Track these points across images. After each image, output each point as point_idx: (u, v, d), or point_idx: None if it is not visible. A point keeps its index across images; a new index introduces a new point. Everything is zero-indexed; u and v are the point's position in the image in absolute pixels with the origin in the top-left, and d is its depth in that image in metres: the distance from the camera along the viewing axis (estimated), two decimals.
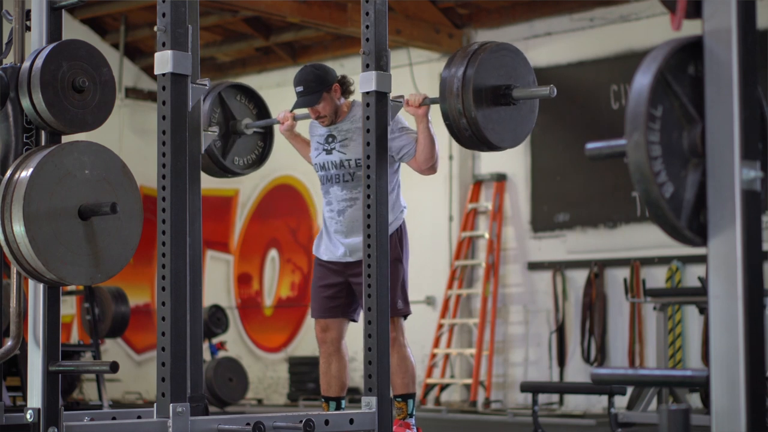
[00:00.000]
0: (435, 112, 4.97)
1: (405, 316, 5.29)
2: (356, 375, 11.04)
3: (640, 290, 9.26)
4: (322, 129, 5.39)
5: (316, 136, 5.43)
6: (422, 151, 5.15)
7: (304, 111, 5.44)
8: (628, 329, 9.52)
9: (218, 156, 5.44)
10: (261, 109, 5.65)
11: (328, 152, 5.34)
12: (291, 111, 5.48)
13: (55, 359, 3.84)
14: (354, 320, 5.43)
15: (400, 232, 5.30)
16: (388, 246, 4.54)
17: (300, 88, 5.30)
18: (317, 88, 5.28)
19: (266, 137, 5.69)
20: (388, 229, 5.08)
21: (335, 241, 5.34)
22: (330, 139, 5.35)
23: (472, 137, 4.57)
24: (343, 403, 5.38)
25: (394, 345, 5.17)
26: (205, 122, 5.34)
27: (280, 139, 5.76)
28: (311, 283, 5.54)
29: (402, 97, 4.83)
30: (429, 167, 5.21)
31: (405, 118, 5.33)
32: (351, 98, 5.43)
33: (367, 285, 4.48)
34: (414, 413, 5.28)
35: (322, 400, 5.41)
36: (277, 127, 5.66)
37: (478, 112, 4.49)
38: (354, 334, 5.43)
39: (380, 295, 4.46)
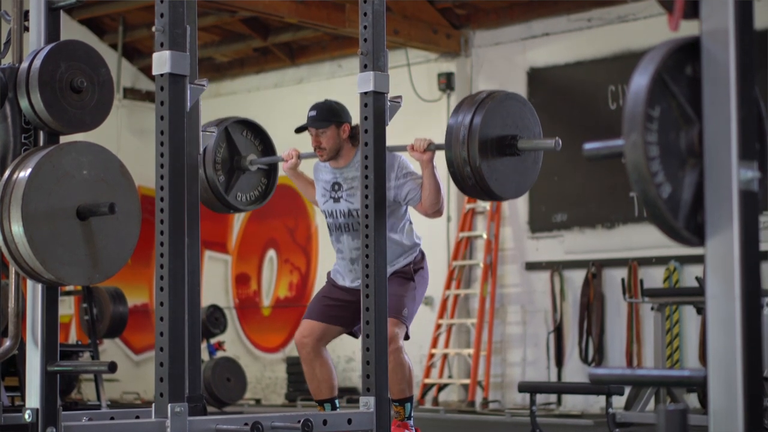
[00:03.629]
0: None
1: (405, 335, 5.23)
2: (354, 375, 11.05)
3: (637, 290, 9.27)
4: (328, 175, 5.39)
5: (322, 181, 5.43)
6: (428, 197, 5.16)
7: (310, 150, 5.43)
8: (625, 329, 9.53)
9: (221, 191, 5.42)
10: (266, 146, 5.62)
11: (336, 200, 5.35)
12: (297, 131, 5.46)
13: (54, 359, 3.84)
14: (354, 335, 5.41)
15: (417, 263, 5.30)
16: (385, 244, 4.54)
17: (313, 113, 5.32)
18: (328, 117, 5.29)
19: (270, 174, 5.66)
20: (404, 260, 5.12)
21: (351, 281, 5.35)
22: (336, 187, 5.35)
23: (476, 186, 4.58)
24: (337, 402, 5.37)
25: (391, 349, 5.13)
26: (209, 159, 5.33)
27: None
28: (316, 294, 5.55)
29: (400, 97, 4.83)
30: (435, 211, 5.22)
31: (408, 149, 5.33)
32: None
33: (365, 285, 4.48)
34: (412, 414, 5.27)
35: (317, 404, 5.39)
36: (281, 165, 5.65)
37: (482, 162, 4.50)
38: None
39: (378, 295, 4.46)
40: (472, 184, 4.57)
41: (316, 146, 5.32)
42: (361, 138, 4.57)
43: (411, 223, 5.36)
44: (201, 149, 4.96)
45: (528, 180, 4.71)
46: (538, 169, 4.75)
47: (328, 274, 5.51)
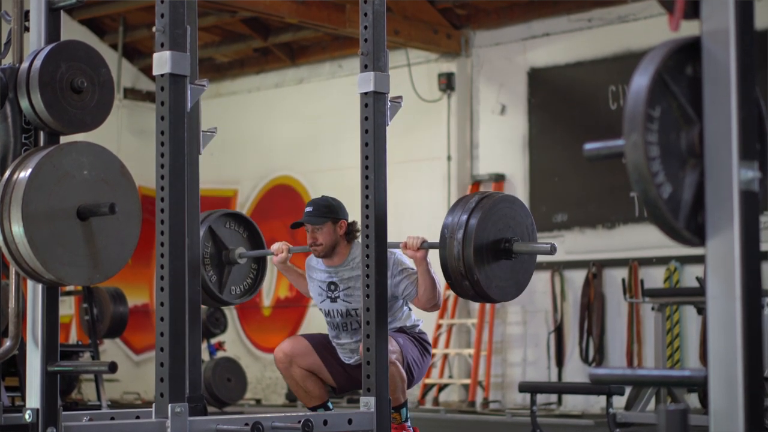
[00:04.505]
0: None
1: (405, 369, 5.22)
2: None
3: (638, 290, 9.27)
4: (322, 275, 5.38)
5: (317, 281, 5.42)
6: (424, 293, 5.13)
7: (301, 245, 5.45)
8: (626, 329, 9.53)
9: (215, 291, 5.41)
10: (251, 232, 5.61)
11: (333, 300, 5.35)
12: (293, 227, 5.46)
13: (54, 359, 3.84)
14: (334, 390, 5.42)
15: (416, 333, 5.32)
16: (387, 244, 4.54)
17: (309, 209, 5.32)
18: (325, 214, 5.29)
19: (259, 260, 5.66)
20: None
21: (348, 359, 5.37)
22: (332, 287, 5.35)
23: (476, 296, 4.65)
24: (330, 404, 5.37)
25: None
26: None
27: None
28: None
29: (400, 97, 4.83)
30: (432, 305, 5.20)
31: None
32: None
33: (366, 285, 4.48)
34: (408, 417, 5.27)
35: (309, 411, 5.38)
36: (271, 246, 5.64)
37: (480, 273, 4.53)
38: None
39: (378, 296, 4.46)
40: (472, 295, 4.64)
41: (312, 243, 5.30)
42: (362, 138, 4.57)
43: (410, 309, 5.37)
44: (202, 149, 4.97)
45: (527, 276, 4.76)
46: (534, 261, 4.77)
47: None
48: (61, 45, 3.92)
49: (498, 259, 4.60)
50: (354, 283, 5.25)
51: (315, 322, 10.89)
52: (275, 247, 5.52)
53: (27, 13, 4.07)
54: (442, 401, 10.32)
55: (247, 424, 3.98)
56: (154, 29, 4.02)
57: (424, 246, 5.01)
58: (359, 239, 4.67)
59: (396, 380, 5.11)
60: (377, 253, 4.50)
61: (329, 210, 5.31)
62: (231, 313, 12.18)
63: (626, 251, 9.59)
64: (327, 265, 5.36)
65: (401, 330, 5.28)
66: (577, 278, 9.90)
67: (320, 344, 5.38)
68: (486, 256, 4.55)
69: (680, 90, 2.26)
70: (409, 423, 5.26)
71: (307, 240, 5.32)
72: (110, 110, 4.03)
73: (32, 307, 3.89)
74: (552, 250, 4.59)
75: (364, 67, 4.56)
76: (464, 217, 4.56)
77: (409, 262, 5.23)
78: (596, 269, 9.71)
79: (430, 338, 5.48)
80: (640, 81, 2.22)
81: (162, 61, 3.99)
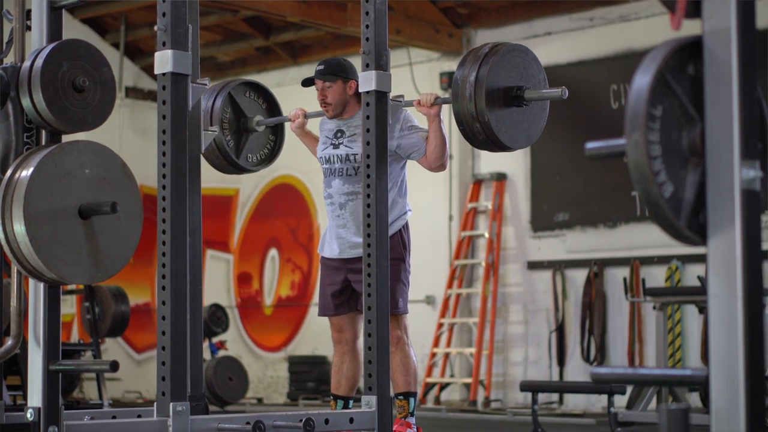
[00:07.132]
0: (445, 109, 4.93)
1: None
2: None
3: (639, 289, 9.26)
4: (332, 124, 5.41)
5: (325, 131, 5.45)
6: (433, 150, 5.17)
7: (316, 109, 5.45)
8: (627, 328, 9.53)
9: (232, 155, 5.49)
10: (270, 104, 5.68)
11: (335, 146, 5.36)
12: (304, 84, 5.48)
13: (56, 358, 3.84)
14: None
15: (403, 232, 5.30)
16: (388, 246, 4.54)
17: (321, 67, 5.36)
18: (335, 72, 5.33)
19: (277, 131, 5.74)
20: (391, 227, 5.10)
21: (335, 237, 5.34)
22: (339, 134, 5.37)
23: (487, 141, 4.61)
24: (351, 403, 5.38)
25: (398, 343, 5.17)
26: (216, 120, 5.37)
27: (287, 139, 5.78)
28: (319, 282, 5.56)
29: (402, 96, 4.84)
30: (439, 165, 5.24)
31: (414, 116, 5.33)
32: None
33: (367, 285, 4.48)
34: (414, 412, 5.28)
35: (331, 397, 5.42)
36: (288, 123, 5.69)
37: (491, 117, 4.51)
38: None
39: (380, 295, 4.47)
40: (483, 139, 4.61)
41: (322, 100, 5.34)
42: (363, 137, 4.57)
43: (406, 185, 5.35)
44: (203, 148, 4.98)
45: (537, 127, 4.75)
46: (545, 115, 4.77)
47: (321, 258, 5.51)
48: (63, 44, 3.92)
49: (510, 105, 4.60)
50: (360, 130, 5.24)
51: (316, 322, 10.89)
52: (292, 113, 5.59)
53: (29, 12, 4.08)
54: (444, 400, 10.32)
55: (248, 423, 3.98)
56: (155, 28, 4.03)
57: (438, 102, 5.03)
58: None
59: (409, 362, 5.22)
60: (378, 265, 4.50)
61: (340, 68, 5.35)
62: (232, 312, 12.19)
63: (628, 250, 9.58)
64: (337, 119, 5.41)
65: (394, 256, 5.13)
66: (578, 277, 9.90)
67: (335, 297, 5.37)
68: (498, 102, 4.55)
69: (682, 89, 2.26)
70: (414, 420, 5.27)
71: (318, 98, 5.37)
72: (112, 109, 4.04)
73: (34, 305, 3.89)
74: (563, 94, 4.57)
75: (366, 66, 4.56)
76: (476, 64, 4.55)
77: (418, 121, 5.25)
78: (598, 268, 9.71)
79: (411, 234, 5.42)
80: (642, 80, 2.22)
81: (164, 60, 3.99)
